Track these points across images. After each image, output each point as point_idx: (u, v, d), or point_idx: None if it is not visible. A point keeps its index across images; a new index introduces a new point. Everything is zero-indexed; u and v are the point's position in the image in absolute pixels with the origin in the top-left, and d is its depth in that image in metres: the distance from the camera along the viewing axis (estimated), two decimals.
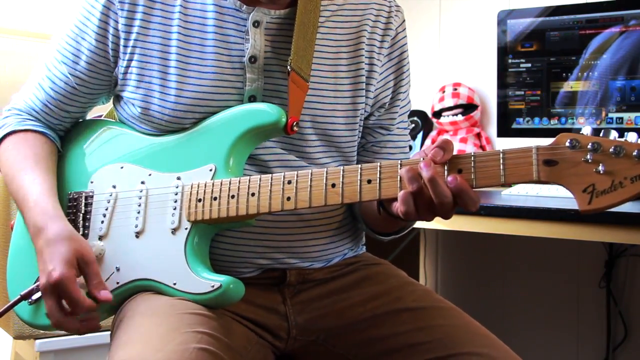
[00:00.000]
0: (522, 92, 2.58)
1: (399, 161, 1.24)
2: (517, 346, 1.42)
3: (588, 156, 1.12)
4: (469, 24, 3.12)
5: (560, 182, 1.15)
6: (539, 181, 1.16)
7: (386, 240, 1.58)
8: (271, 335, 1.46)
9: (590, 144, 1.12)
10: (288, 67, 1.41)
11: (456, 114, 2.95)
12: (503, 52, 2.61)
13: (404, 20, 1.59)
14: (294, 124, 1.39)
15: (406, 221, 1.44)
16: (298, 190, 1.31)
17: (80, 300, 1.35)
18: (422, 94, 3.11)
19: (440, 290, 3.19)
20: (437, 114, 3.00)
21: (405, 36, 1.59)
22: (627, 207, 1.86)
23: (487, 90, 3.00)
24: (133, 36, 1.47)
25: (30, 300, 1.51)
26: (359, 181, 1.27)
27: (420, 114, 3.03)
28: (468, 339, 1.40)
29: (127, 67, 1.48)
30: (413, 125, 3.03)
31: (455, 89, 2.99)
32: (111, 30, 1.48)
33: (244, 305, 1.43)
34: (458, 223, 2.11)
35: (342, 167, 1.28)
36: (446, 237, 3.16)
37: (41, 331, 2.15)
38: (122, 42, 1.48)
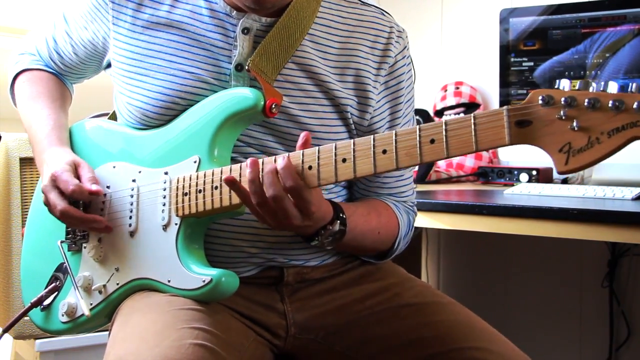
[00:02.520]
0: (525, 91, 2.57)
1: (372, 137, 1.23)
2: (519, 345, 1.42)
3: (562, 112, 1.05)
4: (471, 23, 3.10)
5: (534, 143, 1.08)
6: (512, 144, 1.10)
7: (378, 263, 1.58)
8: (270, 333, 1.46)
9: (563, 98, 1.05)
10: (246, 65, 1.41)
11: (458, 113, 2.93)
12: (505, 50, 2.60)
13: (405, 47, 1.54)
14: (272, 105, 1.38)
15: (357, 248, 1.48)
16: None
17: (71, 182, 1.42)
18: (424, 93, 3.09)
19: (442, 289, 3.17)
20: (439, 113, 2.99)
21: (407, 63, 1.55)
22: (630, 207, 1.87)
23: (490, 89, 2.98)
24: (122, 31, 1.50)
25: (42, 306, 1.54)
26: (334, 161, 1.25)
27: (422, 112, 3.01)
28: (468, 334, 1.40)
29: (117, 59, 1.51)
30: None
31: (457, 88, 2.97)
32: (102, 26, 1.53)
33: (243, 302, 1.43)
34: (460, 222, 2.10)
35: (317, 148, 1.27)
36: (448, 236, 3.15)
37: (41, 331, 2.16)
38: (111, 38, 1.52)
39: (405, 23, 1.63)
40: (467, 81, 3.02)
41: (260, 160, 1.29)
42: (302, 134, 1.29)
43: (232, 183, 1.28)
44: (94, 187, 1.44)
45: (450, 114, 2.94)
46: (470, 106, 2.94)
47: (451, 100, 2.95)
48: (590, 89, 1.05)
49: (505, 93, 2.61)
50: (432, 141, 1.16)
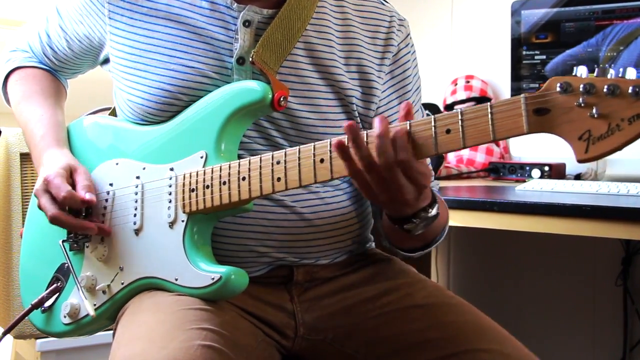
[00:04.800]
0: (537, 85, 2.57)
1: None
2: (532, 345, 1.42)
3: (581, 100, 1.05)
4: (482, 15, 3.09)
5: (553, 131, 1.08)
6: (530, 132, 1.09)
7: (414, 256, 1.55)
8: (278, 333, 1.44)
9: (582, 85, 1.04)
10: (250, 57, 1.38)
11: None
12: (517, 43, 2.61)
13: (408, 35, 1.54)
14: (281, 98, 1.36)
15: (421, 235, 1.40)
16: (287, 169, 1.28)
17: (63, 188, 1.40)
18: (434, 87, 3.08)
19: (453, 288, 3.17)
20: (449, 107, 2.98)
21: (410, 52, 1.54)
22: None
23: (501, 83, 2.97)
24: (119, 25, 1.47)
25: (42, 308, 1.52)
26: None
27: (432, 107, 3.00)
28: (479, 336, 1.39)
29: (115, 55, 1.49)
30: None
31: (468, 82, 2.96)
32: (98, 20, 1.50)
33: (251, 301, 1.42)
34: (471, 219, 2.09)
35: (329, 141, 1.25)
36: (458, 233, 3.14)
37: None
38: (108, 32, 1.49)
39: (415, 15, 1.62)
40: (478, 75, 3.00)
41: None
42: (403, 104, 1.22)
43: (342, 148, 1.20)
44: (88, 196, 1.41)
45: (460, 108, 2.91)
46: (481, 100, 2.93)
47: (461, 95, 2.94)
48: (609, 76, 1.04)
49: (516, 87, 2.60)
50: (448, 131, 1.15)
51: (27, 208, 1.67)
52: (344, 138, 1.20)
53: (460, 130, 1.14)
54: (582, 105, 1.05)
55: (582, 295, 2.81)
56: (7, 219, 2.18)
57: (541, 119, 1.08)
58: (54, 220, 1.41)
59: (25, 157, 2.18)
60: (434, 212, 1.33)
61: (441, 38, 3.20)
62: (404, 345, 1.42)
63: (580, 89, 1.05)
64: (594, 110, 1.04)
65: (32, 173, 2.18)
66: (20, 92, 1.63)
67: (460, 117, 1.14)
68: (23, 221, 2.11)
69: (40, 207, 1.43)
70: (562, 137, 1.08)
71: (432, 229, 1.42)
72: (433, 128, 1.16)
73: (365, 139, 1.20)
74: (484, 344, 1.36)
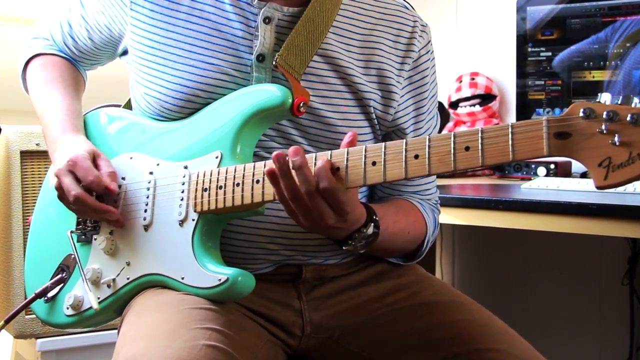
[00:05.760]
0: (542, 82, 2.56)
1: (404, 141, 1.20)
2: (537, 344, 1.42)
3: (603, 126, 1.05)
4: (487, 11, 3.08)
5: (573, 156, 1.08)
6: (550, 155, 1.10)
7: (405, 263, 1.55)
8: (284, 332, 1.43)
9: (605, 112, 1.05)
10: (274, 61, 1.38)
11: (474, 105, 2.91)
12: (522, 40, 2.60)
13: (429, 42, 1.54)
14: (301, 104, 1.36)
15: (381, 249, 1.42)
16: None
17: (91, 171, 1.40)
18: (438, 84, 3.05)
19: (457, 287, 3.16)
20: (454, 105, 2.97)
21: (430, 59, 1.55)
22: None
23: (506, 80, 2.96)
24: (140, 17, 1.47)
25: (46, 297, 1.52)
26: (363, 164, 1.23)
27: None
28: (487, 335, 1.38)
29: (134, 47, 1.49)
30: None
31: (473, 79, 2.95)
32: (120, 11, 1.50)
33: (258, 300, 1.41)
34: (475, 218, 2.07)
35: (346, 150, 1.24)
36: (463, 232, 3.13)
37: (42, 330, 2.17)
38: (128, 24, 1.49)
39: (420, 12, 1.61)
40: (483, 72, 2.99)
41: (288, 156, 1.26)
42: (349, 134, 1.26)
43: (273, 176, 1.23)
44: (112, 185, 1.41)
45: (465, 106, 2.92)
46: (486, 97, 2.92)
47: (466, 92, 2.93)
48: (633, 104, 1.05)
49: (522, 84, 2.59)
50: (467, 148, 1.15)
51: (27, 207, 1.66)
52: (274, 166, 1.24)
53: (480, 148, 1.13)
54: (605, 132, 1.05)
55: (588, 294, 2.80)
56: (7, 218, 2.17)
57: (562, 142, 1.08)
58: (77, 201, 1.39)
59: (26, 155, 2.19)
60: (370, 230, 1.33)
61: (446, 35, 3.19)
62: (411, 343, 1.41)
63: (604, 116, 1.05)
64: (616, 138, 1.04)
65: (33, 171, 2.18)
66: (41, 77, 1.63)
67: (480, 135, 1.13)
68: (23, 220, 2.13)
69: (59, 188, 1.42)
70: (582, 162, 1.08)
71: (389, 244, 1.43)
72: (452, 144, 1.16)
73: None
74: (493, 344, 1.36)
